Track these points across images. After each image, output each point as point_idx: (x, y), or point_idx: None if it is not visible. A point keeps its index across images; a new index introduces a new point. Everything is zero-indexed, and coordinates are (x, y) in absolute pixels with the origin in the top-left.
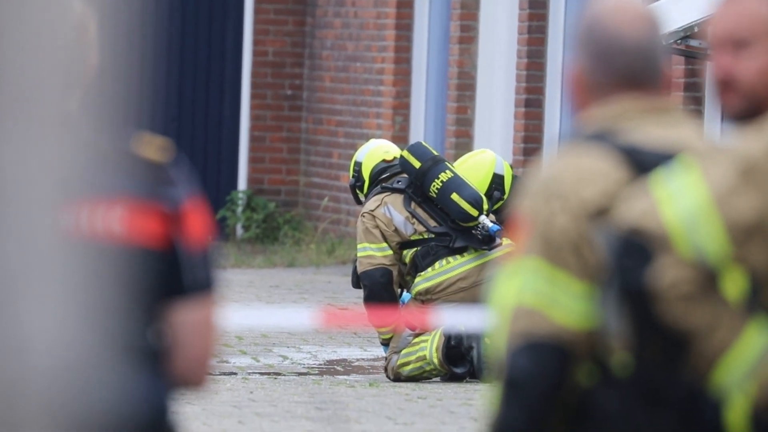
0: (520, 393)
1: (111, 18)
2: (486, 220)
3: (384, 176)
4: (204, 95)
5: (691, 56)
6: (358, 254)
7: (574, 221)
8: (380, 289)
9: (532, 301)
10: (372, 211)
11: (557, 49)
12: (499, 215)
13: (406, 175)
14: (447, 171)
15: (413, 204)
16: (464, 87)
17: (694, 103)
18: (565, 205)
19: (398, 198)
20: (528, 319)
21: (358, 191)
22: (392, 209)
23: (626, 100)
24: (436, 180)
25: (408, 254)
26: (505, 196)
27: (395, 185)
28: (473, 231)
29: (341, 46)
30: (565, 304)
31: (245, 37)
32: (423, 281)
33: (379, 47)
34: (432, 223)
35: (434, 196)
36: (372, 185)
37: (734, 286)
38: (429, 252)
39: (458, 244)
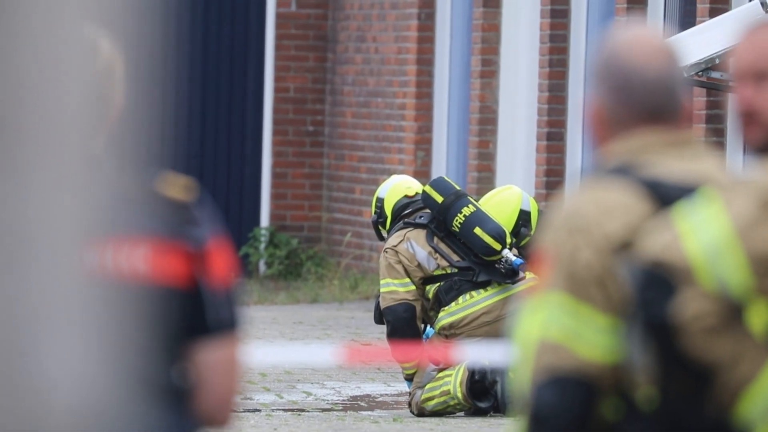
0: (546, 428)
1: (134, 56)
2: (509, 254)
3: (406, 212)
4: (226, 132)
5: (714, 88)
6: (381, 290)
7: (597, 255)
8: (403, 324)
9: (556, 335)
10: (395, 246)
11: (578, 83)
12: (527, 251)
13: (428, 211)
14: (470, 205)
15: (436, 239)
16: (486, 121)
17: (716, 135)
18: (589, 239)
19: (421, 233)
20: (553, 354)
21: (380, 227)
22: (415, 244)
23: (647, 134)
24: (458, 215)
25: (431, 289)
26: (532, 232)
27: (417, 220)
28: (496, 265)
29: (362, 82)
30: (589, 338)
31: (266, 73)
32: (447, 316)
33: (400, 82)
34: (455, 257)
35: (457, 230)
36: (394, 221)
37: (759, 318)
38: (452, 287)
39: (481, 278)
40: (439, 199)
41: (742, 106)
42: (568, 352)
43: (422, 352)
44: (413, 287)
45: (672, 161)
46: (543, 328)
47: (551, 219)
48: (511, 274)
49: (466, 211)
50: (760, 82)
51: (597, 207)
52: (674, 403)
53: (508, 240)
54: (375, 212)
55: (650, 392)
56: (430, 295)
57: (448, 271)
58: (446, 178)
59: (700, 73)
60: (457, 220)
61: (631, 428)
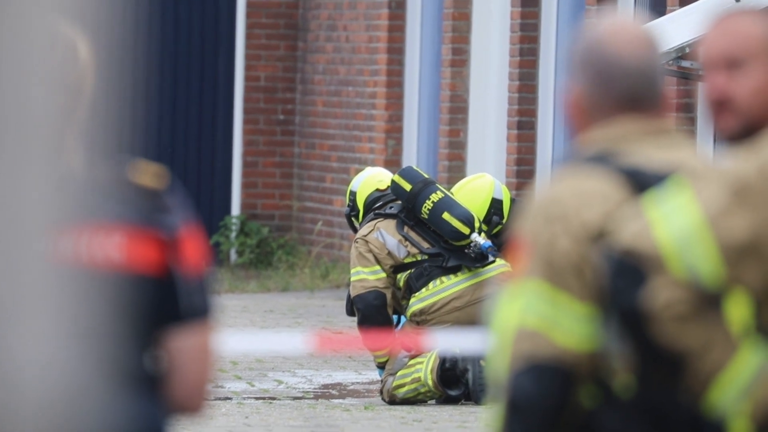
0: (523, 415)
1: (103, 46)
2: (478, 238)
3: (378, 205)
4: (196, 121)
5: (684, 77)
6: (352, 279)
7: (575, 243)
8: (374, 311)
9: (534, 323)
10: (365, 236)
11: (549, 72)
12: (499, 239)
13: (398, 202)
14: (438, 192)
15: (406, 228)
16: (456, 110)
17: (687, 124)
18: (567, 227)
19: (391, 223)
20: (530, 342)
21: (353, 220)
22: (385, 233)
23: (627, 122)
24: (427, 201)
25: (402, 277)
26: (504, 221)
27: (387, 211)
28: (466, 250)
29: (333, 71)
30: (567, 326)
31: (237, 62)
32: (417, 302)
33: (371, 71)
34: (425, 245)
35: (426, 217)
36: (366, 214)
37: (737, 308)
38: (422, 273)
39: (451, 263)
40: (408, 187)
41: (713, 94)
42: (545, 340)
43: (393, 340)
44: (383, 275)
45: (650, 150)
46: (520, 316)
47: (529, 207)
48: (480, 258)
49: (435, 197)
50: (732, 70)
51: (575, 195)
52: (650, 390)
53: (477, 224)
54: (348, 205)
55: (627, 380)
56: (401, 284)
57: (419, 258)
58: (415, 167)
59: (670, 62)
60: (425, 207)
61: (607, 416)
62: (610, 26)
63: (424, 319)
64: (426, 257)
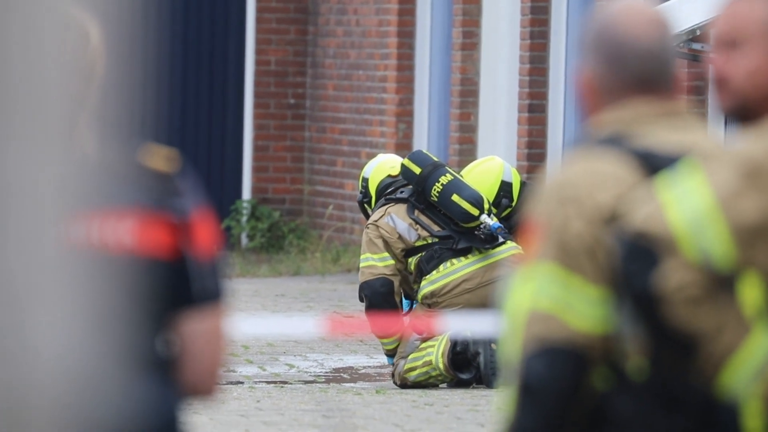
0: (536, 398)
1: (114, 30)
2: (487, 219)
3: (389, 190)
4: (207, 106)
5: (694, 59)
6: (360, 265)
7: (589, 226)
8: (380, 299)
9: (547, 306)
10: (376, 221)
11: (560, 54)
12: (508, 222)
13: (409, 186)
14: (447, 174)
15: (416, 211)
16: (467, 93)
17: (699, 106)
18: (580, 209)
19: (401, 207)
20: (543, 324)
21: (366, 206)
22: (395, 218)
23: (639, 104)
24: (436, 184)
25: (413, 261)
26: (514, 203)
27: (398, 195)
28: (476, 232)
29: (344, 54)
30: (580, 309)
31: (247, 46)
32: (428, 284)
33: (381, 55)
34: (435, 228)
35: (435, 200)
36: (378, 200)
37: (751, 290)
38: (433, 256)
39: (461, 245)
40: (417, 170)
41: (715, 73)
42: (558, 323)
43: (401, 326)
44: (392, 262)
45: (663, 132)
46: (533, 299)
47: (542, 190)
48: (490, 239)
49: (444, 180)
50: (731, 51)
51: (588, 177)
52: (664, 374)
53: (486, 206)
54: (360, 192)
55: (640, 363)
56: (412, 267)
57: (429, 241)
58: (424, 151)
59: (681, 44)
60: (435, 189)
61: (620, 398)
62: (622, 8)
63: (435, 302)
64: (436, 240)
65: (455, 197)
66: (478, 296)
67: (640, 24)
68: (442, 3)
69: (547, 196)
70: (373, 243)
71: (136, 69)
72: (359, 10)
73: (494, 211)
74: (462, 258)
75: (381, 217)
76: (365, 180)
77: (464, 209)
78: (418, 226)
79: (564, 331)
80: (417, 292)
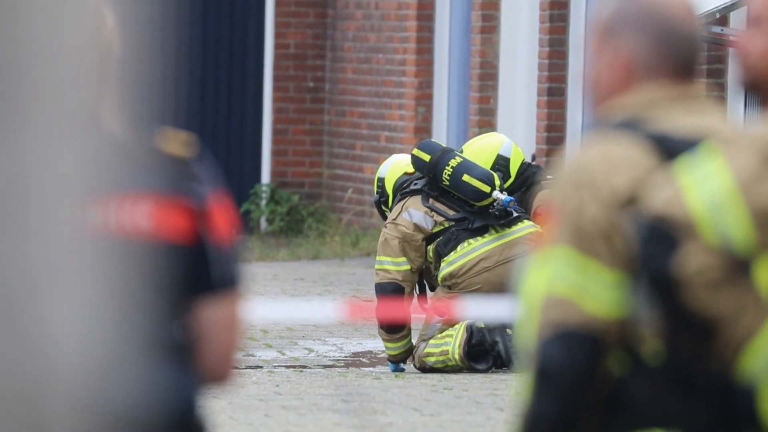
0: (552, 383)
1: (133, 13)
2: (499, 195)
3: (404, 186)
4: (226, 89)
5: (714, 42)
6: (376, 267)
7: (604, 210)
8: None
9: (563, 290)
10: (394, 219)
11: (579, 37)
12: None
13: (422, 179)
14: (456, 158)
15: (431, 199)
16: (486, 77)
17: (718, 90)
18: (596, 193)
19: (416, 199)
20: (559, 309)
21: (383, 207)
22: (412, 211)
23: (657, 88)
24: (446, 167)
25: (431, 248)
26: (511, 180)
27: (412, 187)
28: (490, 209)
29: (363, 38)
30: (596, 293)
31: (267, 29)
32: (446, 266)
33: (400, 38)
34: (450, 212)
35: (447, 183)
36: (395, 196)
37: (766, 274)
38: (450, 238)
39: (477, 224)
40: (427, 157)
41: (738, 47)
42: (574, 307)
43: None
44: (407, 267)
45: (679, 116)
46: (549, 283)
47: (558, 174)
48: (504, 215)
49: (453, 162)
50: (754, 28)
51: (604, 162)
52: (680, 358)
53: (497, 182)
54: (377, 192)
55: (656, 346)
56: (431, 254)
57: (446, 225)
58: (432, 140)
59: (702, 27)
60: (446, 174)
61: (636, 382)
62: None
63: (454, 283)
64: (453, 223)
65: (466, 177)
66: (497, 275)
67: (682, 8)
68: None
69: (562, 180)
70: (388, 244)
71: (155, 53)
72: None
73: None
74: (479, 237)
75: (398, 214)
76: (381, 180)
77: (475, 187)
78: (433, 213)
79: (580, 315)
80: (437, 270)
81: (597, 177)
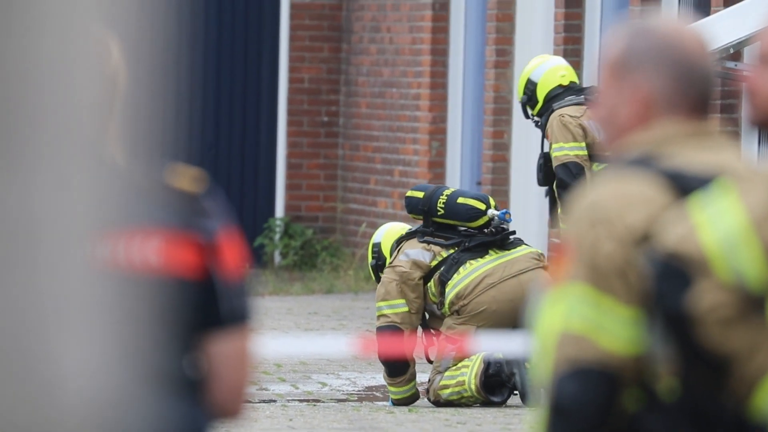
0: (568, 419)
1: (148, 48)
2: (494, 212)
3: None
4: (241, 123)
5: (727, 78)
6: (376, 313)
7: (620, 247)
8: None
9: (578, 327)
10: (391, 263)
11: (592, 73)
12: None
13: (416, 226)
14: (449, 189)
15: (426, 237)
16: (500, 111)
17: (731, 124)
18: (611, 230)
19: (412, 240)
20: (575, 345)
21: (380, 273)
22: (408, 250)
23: (671, 124)
24: (441, 197)
25: (432, 283)
26: (538, 105)
27: (406, 233)
28: (485, 230)
29: (377, 72)
30: (611, 329)
31: (281, 64)
32: (452, 289)
33: (415, 73)
34: (446, 241)
35: (442, 212)
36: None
37: None
38: (451, 264)
39: (473, 242)
40: (420, 194)
41: (745, 85)
42: (590, 344)
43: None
44: (404, 309)
45: (693, 152)
46: (565, 320)
47: (572, 210)
48: (500, 230)
49: (447, 192)
50: (763, 66)
51: (619, 198)
52: (696, 394)
53: (492, 202)
54: (373, 257)
55: (672, 383)
56: (433, 288)
57: (444, 255)
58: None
59: (715, 62)
60: (440, 202)
61: (651, 419)
62: (676, 26)
63: (462, 306)
64: (451, 251)
65: (461, 199)
66: (503, 291)
67: (699, 44)
68: (475, 21)
69: (577, 217)
70: (385, 289)
71: (169, 88)
72: (392, 27)
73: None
74: (479, 258)
75: (395, 257)
76: (376, 245)
77: (470, 205)
78: (430, 246)
79: (596, 352)
80: (443, 305)
81: (612, 214)
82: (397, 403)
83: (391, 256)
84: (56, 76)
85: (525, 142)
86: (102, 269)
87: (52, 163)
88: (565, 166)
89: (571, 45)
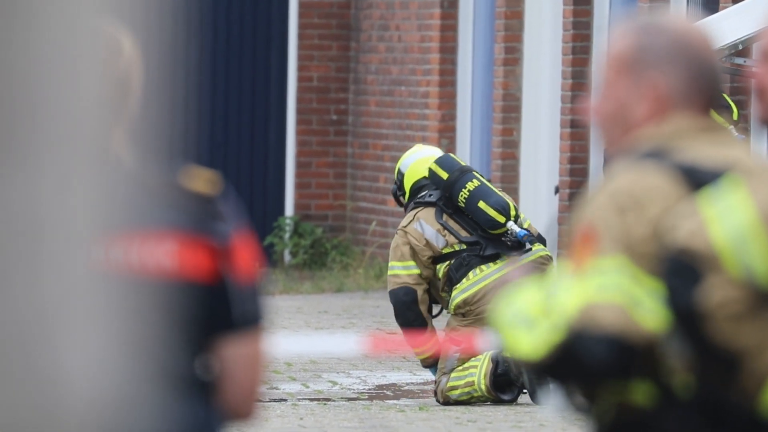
0: (587, 375)
1: (157, 48)
2: (514, 226)
3: (420, 195)
4: (249, 122)
5: (736, 74)
6: (388, 273)
7: (651, 232)
8: (404, 307)
9: (615, 297)
10: (405, 227)
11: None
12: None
13: (438, 190)
14: (474, 180)
15: (445, 216)
16: (509, 109)
17: (741, 120)
18: (641, 217)
19: (430, 211)
20: (610, 313)
21: (401, 198)
22: (424, 223)
23: (680, 119)
24: (463, 190)
25: (441, 269)
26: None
27: (427, 199)
28: (503, 238)
29: (386, 71)
30: (647, 303)
31: (290, 63)
32: (459, 294)
33: (423, 71)
34: (463, 233)
35: (463, 205)
36: (411, 197)
37: None
38: (462, 263)
39: (489, 251)
40: (444, 175)
41: (754, 83)
42: (626, 315)
43: (434, 339)
44: (416, 271)
45: (705, 146)
46: (600, 292)
47: (591, 198)
48: (517, 246)
49: (471, 186)
50: (766, 62)
51: (638, 189)
52: (711, 391)
53: (513, 212)
54: (395, 183)
55: (687, 379)
56: (441, 275)
57: (456, 248)
58: (452, 155)
59: (723, 59)
60: (462, 196)
61: (666, 416)
62: (685, 23)
63: (468, 310)
64: (464, 246)
65: (482, 204)
66: None
67: (706, 41)
68: (484, 18)
69: (598, 205)
70: (399, 250)
71: (178, 87)
72: (401, 26)
73: (521, 216)
74: (491, 264)
75: (410, 222)
76: (401, 173)
77: (490, 216)
78: (446, 231)
79: (630, 324)
80: (448, 301)
81: (638, 202)
82: (425, 362)
83: (408, 202)
84: (59, 75)
85: (534, 140)
86: (107, 270)
87: (55, 163)
88: None
89: (579, 42)
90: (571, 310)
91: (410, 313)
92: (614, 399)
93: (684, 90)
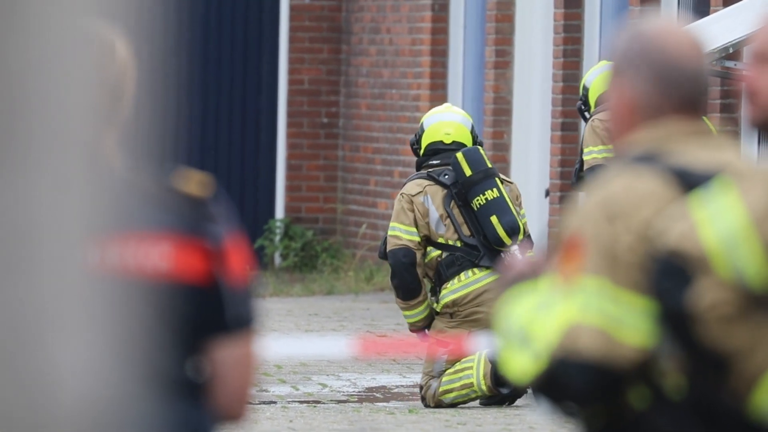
0: (566, 397)
1: (147, 50)
2: (517, 252)
3: (435, 162)
4: (240, 124)
5: (727, 77)
6: (388, 233)
7: (639, 240)
8: (402, 268)
9: (596, 321)
10: (411, 195)
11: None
12: None
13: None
14: (494, 189)
15: (453, 204)
16: (500, 112)
17: (731, 124)
18: (629, 224)
19: (440, 192)
20: (590, 338)
21: (417, 151)
22: (431, 202)
23: (673, 123)
24: (481, 195)
25: (432, 256)
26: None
27: (441, 178)
28: (502, 254)
29: (377, 74)
30: (631, 323)
31: (281, 65)
32: (449, 293)
33: (414, 74)
34: (466, 231)
35: (476, 210)
36: (426, 154)
37: None
38: (454, 262)
39: (484, 263)
40: (468, 172)
41: (745, 85)
42: (608, 338)
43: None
44: (417, 238)
45: (696, 150)
46: (581, 313)
47: (581, 207)
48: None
49: (490, 194)
50: (763, 65)
51: (631, 194)
52: (701, 392)
53: (521, 236)
54: (415, 135)
55: (679, 381)
56: (428, 259)
57: (451, 243)
58: (481, 151)
59: (714, 62)
60: (478, 200)
61: (658, 417)
62: (665, 28)
63: (456, 311)
64: (459, 245)
65: (494, 219)
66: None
67: (684, 45)
68: (475, 21)
69: (589, 213)
70: (404, 213)
71: (168, 88)
72: (392, 29)
73: (522, 211)
74: (483, 269)
75: (418, 193)
76: (422, 129)
77: (498, 235)
78: (448, 221)
79: (613, 347)
80: (437, 300)
81: (627, 209)
82: (413, 326)
83: (422, 161)
84: (53, 79)
85: (525, 143)
86: (105, 273)
87: (48, 166)
88: (592, 169)
89: (570, 45)
90: (554, 335)
91: (407, 274)
92: (604, 408)
93: (652, 96)
